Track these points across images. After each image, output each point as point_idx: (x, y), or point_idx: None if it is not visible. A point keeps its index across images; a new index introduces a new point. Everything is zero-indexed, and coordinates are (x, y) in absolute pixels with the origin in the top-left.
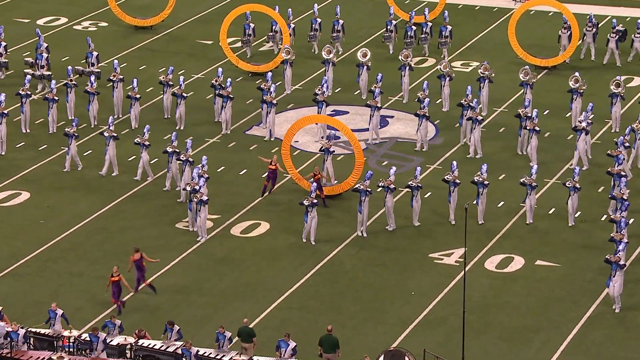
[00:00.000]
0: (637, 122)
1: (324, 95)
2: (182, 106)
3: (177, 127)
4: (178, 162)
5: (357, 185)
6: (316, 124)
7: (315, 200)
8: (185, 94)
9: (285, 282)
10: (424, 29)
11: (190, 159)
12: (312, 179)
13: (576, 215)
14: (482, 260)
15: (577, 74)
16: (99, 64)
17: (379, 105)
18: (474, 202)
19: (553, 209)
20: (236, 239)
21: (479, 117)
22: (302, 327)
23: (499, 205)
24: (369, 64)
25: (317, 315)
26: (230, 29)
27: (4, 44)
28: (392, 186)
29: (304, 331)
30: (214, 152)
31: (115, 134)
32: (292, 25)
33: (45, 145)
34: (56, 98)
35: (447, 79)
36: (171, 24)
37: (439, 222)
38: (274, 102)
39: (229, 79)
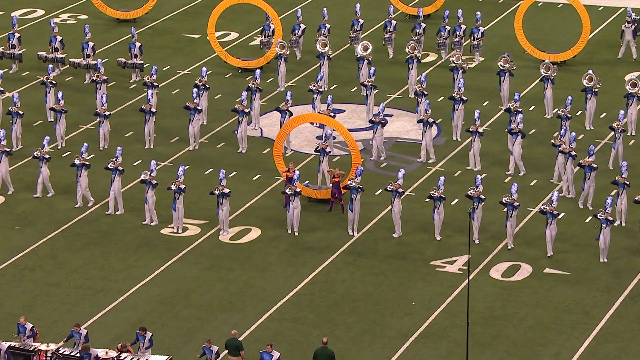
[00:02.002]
0: (617, 121)
1: (288, 104)
2: (152, 123)
3: (145, 147)
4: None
5: (348, 183)
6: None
7: (298, 190)
8: (154, 110)
9: (277, 291)
10: (457, 32)
11: (120, 168)
12: (331, 180)
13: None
14: (487, 268)
15: (590, 71)
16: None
17: (332, 114)
18: (504, 225)
19: (562, 214)
20: (225, 245)
21: (430, 120)
22: (296, 339)
23: (505, 209)
24: (370, 58)
25: (312, 328)
26: (218, 22)
27: (17, 35)
28: (400, 190)
29: (298, 344)
30: (201, 153)
31: (7, 149)
32: (303, 26)
33: (22, 147)
34: (20, 112)
35: (460, 71)
36: (156, 16)
37: (441, 228)
38: (246, 110)
39: (195, 90)
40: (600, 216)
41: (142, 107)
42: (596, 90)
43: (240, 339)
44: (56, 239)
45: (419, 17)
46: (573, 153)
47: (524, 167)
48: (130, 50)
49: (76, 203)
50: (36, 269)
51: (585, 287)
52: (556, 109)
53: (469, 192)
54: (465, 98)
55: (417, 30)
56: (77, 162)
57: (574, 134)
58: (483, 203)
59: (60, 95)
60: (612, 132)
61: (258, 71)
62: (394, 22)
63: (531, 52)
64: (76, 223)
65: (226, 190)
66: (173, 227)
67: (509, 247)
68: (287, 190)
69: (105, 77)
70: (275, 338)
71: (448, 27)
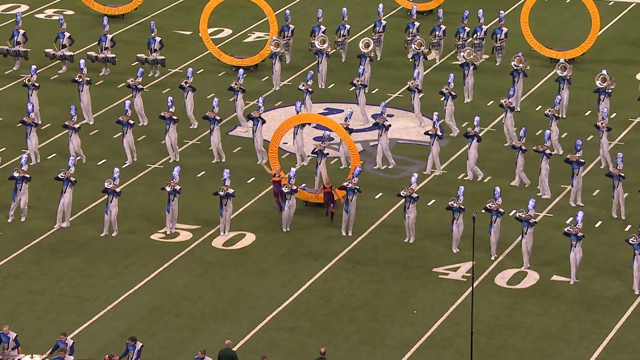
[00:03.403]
0: (601, 119)
1: (260, 111)
2: (130, 135)
3: (127, 161)
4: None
5: (345, 184)
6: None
7: (294, 187)
8: (131, 121)
9: (273, 299)
10: (478, 34)
11: (72, 179)
12: (323, 190)
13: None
14: (491, 275)
15: (604, 71)
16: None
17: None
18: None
19: (570, 218)
20: (218, 251)
21: (387, 123)
22: (292, 350)
23: (510, 213)
24: (371, 55)
25: (308, 338)
26: (211, 18)
27: (22, 31)
28: (414, 195)
29: (294, 355)
30: (193, 155)
31: None
32: (323, 28)
33: (4, 148)
34: None
35: (471, 67)
36: (145, 12)
37: (444, 233)
38: (218, 118)
39: (170, 98)
40: (633, 242)
41: (120, 118)
42: (609, 91)
43: (234, 349)
44: (41, 245)
45: (439, 19)
46: (547, 152)
47: (480, 171)
48: (150, 45)
49: (8, 218)
50: (20, 276)
51: (594, 296)
52: (552, 109)
53: (487, 205)
54: (454, 94)
55: (437, 33)
56: (16, 174)
57: (548, 132)
58: (502, 216)
59: (30, 107)
60: (615, 133)
61: (241, 71)
62: (417, 23)
63: (538, 50)
64: (63, 228)
65: (230, 191)
66: (164, 231)
67: (525, 267)
68: (283, 189)
69: (89, 79)
70: (270, 348)
71: (467, 29)
